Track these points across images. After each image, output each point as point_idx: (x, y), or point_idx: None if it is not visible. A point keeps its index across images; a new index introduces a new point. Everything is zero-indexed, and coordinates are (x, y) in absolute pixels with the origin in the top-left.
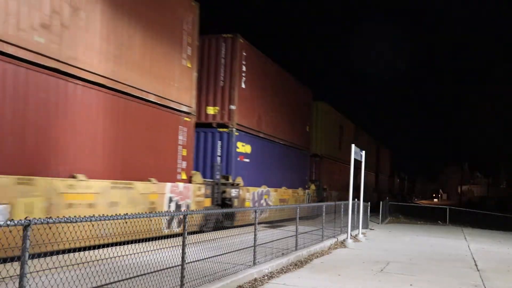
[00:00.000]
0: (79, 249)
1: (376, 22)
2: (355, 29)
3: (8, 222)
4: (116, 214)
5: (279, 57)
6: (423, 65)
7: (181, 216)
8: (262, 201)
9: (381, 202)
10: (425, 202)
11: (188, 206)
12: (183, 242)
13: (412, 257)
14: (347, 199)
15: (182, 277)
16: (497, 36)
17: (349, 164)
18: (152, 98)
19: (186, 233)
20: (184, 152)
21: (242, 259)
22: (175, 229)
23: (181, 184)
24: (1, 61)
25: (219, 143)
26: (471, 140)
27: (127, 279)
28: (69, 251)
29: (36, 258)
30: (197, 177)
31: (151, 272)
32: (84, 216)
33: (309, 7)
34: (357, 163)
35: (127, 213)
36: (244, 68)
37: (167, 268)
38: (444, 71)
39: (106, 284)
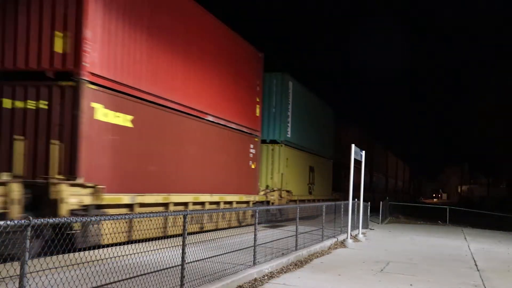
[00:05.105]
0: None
1: (374, 23)
2: (352, 35)
3: (8, 222)
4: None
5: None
6: (422, 65)
7: None
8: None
9: (381, 202)
10: (426, 201)
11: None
12: (183, 242)
13: (412, 257)
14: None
15: (182, 277)
16: (497, 35)
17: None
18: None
19: (186, 233)
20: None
21: (242, 259)
22: None
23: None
24: None
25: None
26: (471, 140)
27: (127, 279)
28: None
29: (36, 258)
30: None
31: (151, 272)
32: (84, 216)
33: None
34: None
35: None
36: None
37: (167, 268)
38: (443, 71)
39: (106, 284)
